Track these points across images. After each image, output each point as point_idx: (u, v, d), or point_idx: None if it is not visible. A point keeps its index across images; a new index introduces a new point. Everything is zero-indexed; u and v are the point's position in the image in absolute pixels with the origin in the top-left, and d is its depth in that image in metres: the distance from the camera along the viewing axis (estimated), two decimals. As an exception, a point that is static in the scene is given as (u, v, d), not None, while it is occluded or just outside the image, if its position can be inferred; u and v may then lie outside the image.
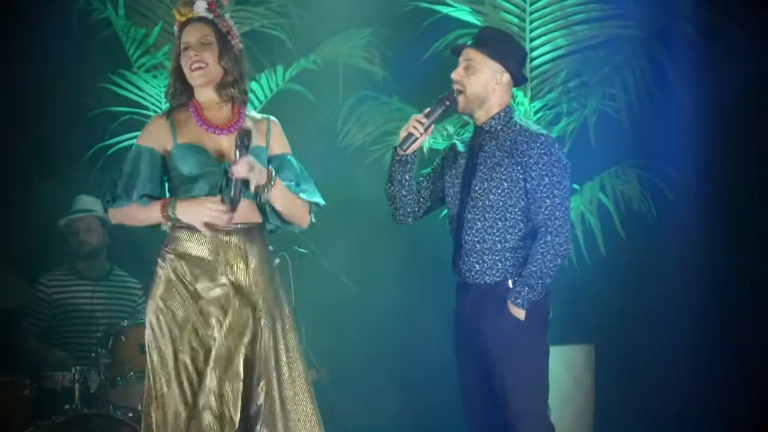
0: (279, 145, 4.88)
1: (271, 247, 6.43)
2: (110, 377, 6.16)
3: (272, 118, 4.93)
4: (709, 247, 6.98)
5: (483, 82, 4.88)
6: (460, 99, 4.90)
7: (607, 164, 6.78)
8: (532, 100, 6.79)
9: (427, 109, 4.91)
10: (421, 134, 4.89)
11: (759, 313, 6.96)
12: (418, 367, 7.31)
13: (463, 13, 6.87)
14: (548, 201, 4.77)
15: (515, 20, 6.83)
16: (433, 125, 4.92)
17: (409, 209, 5.05)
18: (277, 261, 6.37)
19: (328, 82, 7.09)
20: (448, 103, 4.90)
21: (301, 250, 6.45)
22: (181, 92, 4.82)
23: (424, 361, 7.29)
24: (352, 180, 7.08)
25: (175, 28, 4.85)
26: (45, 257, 7.04)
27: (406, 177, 4.97)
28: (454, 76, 4.92)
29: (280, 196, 4.76)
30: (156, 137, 4.76)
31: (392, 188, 5.01)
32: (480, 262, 4.85)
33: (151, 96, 6.95)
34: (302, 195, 4.82)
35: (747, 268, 6.92)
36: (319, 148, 7.02)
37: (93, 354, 6.24)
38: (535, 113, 6.78)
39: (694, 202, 6.94)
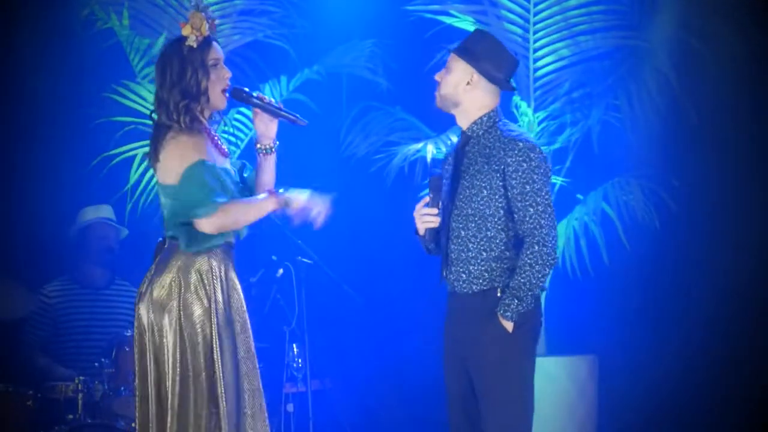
0: None
1: (274, 257, 6.48)
2: (113, 387, 6.17)
3: None
4: (712, 258, 6.97)
5: (454, 82, 4.84)
6: (436, 95, 4.90)
7: (610, 175, 6.78)
8: (535, 110, 6.80)
9: (426, 198, 4.88)
10: (437, 217, 4.86)
11: (764, 323, 6.94)
12: (421, 377, 7.30)
13: (466, 24, 6.88)
14: (531, 210, 4.69)
15: (519, 30, 6.84)
16: (440, 201, 4.89)
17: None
18: (280, 271, 6.39)
19: (331, 92, 7.11)
20: (435, 182, 4.88)
21: (304, 260, 6.45)
22: (197, 115, 4.69)
23: (427, 371, 7.28)
24: (355, 189, 7.09)
25: (193, 45, 4.65)
26: (48, 267, 7.04)
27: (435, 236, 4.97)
28: (436, 77, 4.93)
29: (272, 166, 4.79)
30: (210, 154, 4.68)
31: (428, 246, 4.98)
32: (466, 272, 4.79)
33: (155, 106, 6.95)
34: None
35: (751, 279, 6.91)
36: (323, 157, 7.04)
37: (96, 364, 6.25)
38: (539, 123, 6.79)
39: (697, 213, 6.93)
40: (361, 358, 7.22)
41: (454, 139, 6.73)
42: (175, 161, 4.61)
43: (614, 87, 6.83)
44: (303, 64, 7.06)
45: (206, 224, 4.58)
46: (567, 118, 6.83)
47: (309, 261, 6.48)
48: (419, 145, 6.75)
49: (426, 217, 4.88)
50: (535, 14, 6.86)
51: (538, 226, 4.69)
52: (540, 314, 4.84)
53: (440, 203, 4.88)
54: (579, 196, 6.79)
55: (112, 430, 6.06)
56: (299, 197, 4.64)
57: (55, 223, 7.03)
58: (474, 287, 4.79)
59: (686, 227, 6.92)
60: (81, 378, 6.17)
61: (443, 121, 6.93)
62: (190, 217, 4.58)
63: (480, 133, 4.84)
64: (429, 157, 6.62)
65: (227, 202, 4.59)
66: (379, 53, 7.04)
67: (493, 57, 4.85)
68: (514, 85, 4.95)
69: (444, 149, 6.70)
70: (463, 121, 4.89)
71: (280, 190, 4.65)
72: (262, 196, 4.67)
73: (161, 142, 4.64)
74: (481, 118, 4.84)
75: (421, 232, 4.92)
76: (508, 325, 4.71)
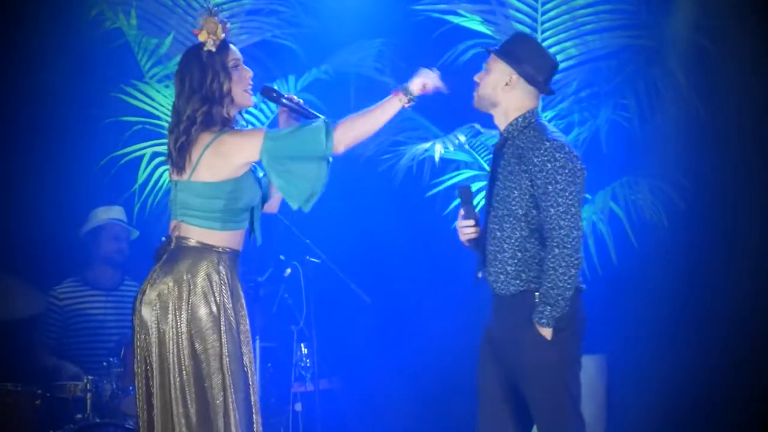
0: None
1: (282, 257, 6.49)
2: (122, 386, 6.18)
3: None
4: (720, 256, 6.96)
5: (492, 82, 4.87)
6: (474, 95, 4.94)
7: (618, 174, 6.78)
8: (543, 109, 6.80)
9: (461, 211, 4.95)
10: (475, 226, 4.93)
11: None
12: (430, 376, 7.30)
13: (474, 23, 6.89)
14: (552, 210, 4.68)
15: (527, 30, 6.83)
16: (475, 210, 4.96)
17: None
18: (288, 270, 6.40)
19: (339, 91, 7.10)
20: (464, 192, 4.96)
21: (312, 259, 6.45)
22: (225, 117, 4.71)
23: (436, 370, 7.28)
24: (364, 189, 7.09)
25: (212, 49, 4.68)
26: (58, 267, 7.05)
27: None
28: (475, 78, 4.95)
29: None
30: None
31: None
32: (504, 272, 4.79)
33: (163, 106, 6.97)
34: None
35: (760, 277, 6.90)
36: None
37: (105, 363, 6.26)
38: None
39: (706, 212, 6.92)
40: (369, 358, 7.22)
41: (462, 138, 6.75)
42: (230, 155, 4.62)
43: (622, 86, 6.83)
44: (311, 63, 7.06)
45: (340, 144, 4.66)
46: (575, 117, 6.83)
47: (317, 260, 6.47)
48: (427, 145, 6.75)
49: (465, 229, 4.94)
50: (543, 13, 6.86)
51: (557, 227, 4.68)
52: (581, 317, 4.81)
53: (476, 213, 4.92)
54: (587, 195, 6.78)
55: (120, 429, 6.06)
56: (417, 83, 4.76)
57: (63, 222, 7.03)
58: (512, 288, 4.78)
59: (694, 226, 6.90)
60: (90, 377, 6.17)
61: (451, 121, 6.95)
62: (318, 154, 4.61)
63: (515, 134, 4.85)
64: (437, 156, 6.63)
65: (340, 121, 4.65)
66: (387, 53, 7.04)
67: (532, 59, 4.88)
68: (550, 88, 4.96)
69: (452, 149, 6.72)
70: (501, 122, 4.91)
71: (402, 87, 4.76)
72: (386, 98, 4.75)
73: (193, 149, 4.64)
74: (516, 119, 4.86)
75: (465, 243, 4.97)
76: (546, 332, 4.70)
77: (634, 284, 6.98)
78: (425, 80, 4.78)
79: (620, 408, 6.87)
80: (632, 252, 6.73)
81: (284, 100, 4.88)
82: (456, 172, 6.88)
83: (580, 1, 6.85)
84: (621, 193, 6.70)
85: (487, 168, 6.79)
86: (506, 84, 4.85)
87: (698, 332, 6.96)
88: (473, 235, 4.93)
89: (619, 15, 6.85)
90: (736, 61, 6.77)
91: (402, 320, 7.28)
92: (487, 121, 6.75)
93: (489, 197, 4.89)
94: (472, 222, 4.92)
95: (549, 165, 4.70)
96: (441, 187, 6.87)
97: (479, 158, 6.92)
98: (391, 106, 4.74)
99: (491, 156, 5.02)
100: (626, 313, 7.02)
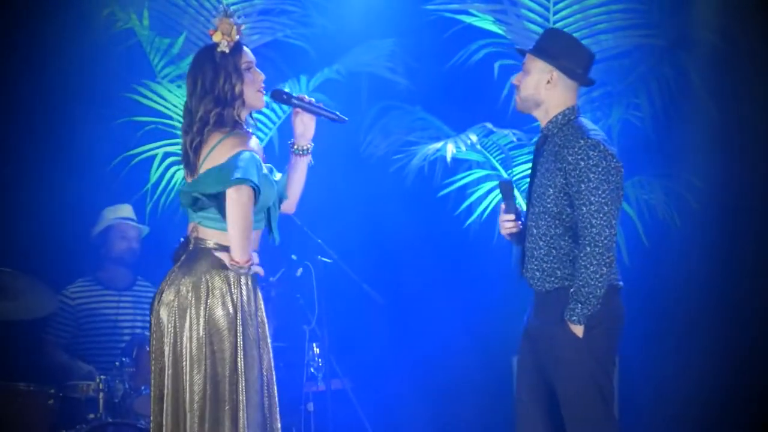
0: None
1: (294, 256, 6.49)
2: (134, 386, 6.19)
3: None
4: (733, 257, 6.94)
5: (533, 82, 4.87)
6: (516, 99, 4.94)
7: (631, 174, 6.76)
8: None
9: (502, 205, 4.96)
10: (516, 221, 4.94)
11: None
12: (441, 376, 7.30)
13: (486, 23, 6.89)
14: (584, 208, 4.70)
15: (539, 29, 6.83)
16: (516, 205, 4.96)
17: None
18: (300, 270, 6.40)
19: (351, 91, 7.10)
20: (505, 187, 4.96)
21: (324, 259, 6.45)
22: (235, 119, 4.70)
23: (447, 370, 7.28)
24: (375, 189, 7.09)
25: (226, 50, 4.69)
26: (70, 267, 7.06)
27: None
28: (513, 80, 4.97)
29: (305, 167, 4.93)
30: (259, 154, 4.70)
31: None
32: (540, 269, 4.81)
33: (175, 106, 6.97)
34: None
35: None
36: (343, 157, 7.04)
37: (117, 363, 6.26)
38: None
39: (718, 211, 6.90)
40: (380, 358, 7.22)
41: (474, 138, 6.74)
42: (222, 156, 4.59)
43: (635, 85, 6.82)
44: (323, 63, 7.06)
45: (234, 192, 4.52)
46: (587, 117, 6.81)
47: (329, 260, 6.48)
48: (439, 145, 6.75)
49: (506, 223, 4.95)
50: (555, 13, 6.86)
51: (589, 226, 4.69)
52: (617, 315, 4.82)
53: (516, 207, 4.93)
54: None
55: (133, 429, 6.08)
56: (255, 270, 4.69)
57: (75, 222, 7.04)
58: (547, 285, 4.81)
59: (707, 226, 6.88)
60: (102, 377, 6.18)
61: (463, 121, 6.94)
62: (227, 182, 4.51)
63: (554, 131, 4.86)
64: (449, 156, 6.63)
65: (253, 196, 4.56)
66: (399, 52, 7.04)
67: (569, 53, 4.90)
68: (591, 79, 4.95)
69: (464, 148, 6.71)
70: (543, 120, 4.92)
71: (253, 264, 4.65)
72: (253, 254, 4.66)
73: (203, 150, 4.64)
74: (556, 116, 4.87)
75: (506, 238, 4.99)
76: (577, 330, 4.71)
77: (646, 284, 6.96)
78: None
79: (630, 409, 6.85)
80: (644, 252, 6.71)
81: (295, 101, 4.88)
82: (468, 172, 6.87)
83: (592, 0, 6.85)
84: (633, 192, 6.69)
85: (500, 168, 6.82)
86: (548, 82, 4.86)
87: (710, 332, 6.94)
88: (514, 230, 4.95)
89: (631, 14, 6.85)
90: (750, 60, 6.76)
91: (413, 320, 7.28)
92: (499, 120, 6.78)
93: (528, 194, 4.91)
94: (512, 216, 4.94)
95: (582, 163, 4.71)
96: (453, 187, 6.86)
97: (491, 158, 6.92)
98: (246, 251, 4.64)
99: (532, 153, 5.03)
100: (637, 314, 6.97)
